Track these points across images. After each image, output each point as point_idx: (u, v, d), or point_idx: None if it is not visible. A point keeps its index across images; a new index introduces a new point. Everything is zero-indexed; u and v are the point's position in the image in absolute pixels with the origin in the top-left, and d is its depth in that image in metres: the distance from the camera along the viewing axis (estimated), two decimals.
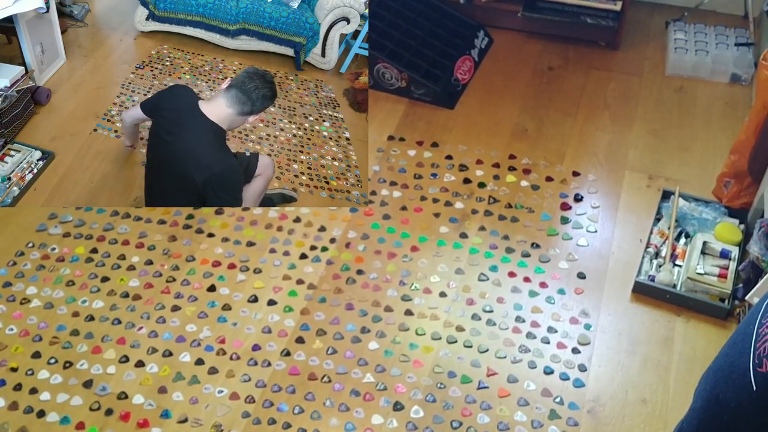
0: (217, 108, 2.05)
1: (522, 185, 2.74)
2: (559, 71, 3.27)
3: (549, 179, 2.76)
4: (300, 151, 2.87)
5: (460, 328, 2.29)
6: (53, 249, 2.56)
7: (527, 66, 3.30)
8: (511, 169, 2.81)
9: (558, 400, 2.10)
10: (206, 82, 3.03)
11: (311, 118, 3.01)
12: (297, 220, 2.65)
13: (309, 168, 2.83)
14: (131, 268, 2.50)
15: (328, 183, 2.77)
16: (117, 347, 2.27)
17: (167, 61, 3.14)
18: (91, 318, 2.35)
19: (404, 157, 2.86)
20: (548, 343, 2.24)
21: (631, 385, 2.13)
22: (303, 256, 2.52)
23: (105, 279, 2.47)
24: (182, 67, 3.12)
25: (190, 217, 2.67)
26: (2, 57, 2.66)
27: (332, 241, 2.57)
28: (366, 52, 3.35)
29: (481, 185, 2.75)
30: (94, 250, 2.56)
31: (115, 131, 2.58)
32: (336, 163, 2.86)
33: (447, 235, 2.58)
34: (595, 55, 3.34)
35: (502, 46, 3.41)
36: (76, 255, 2.54)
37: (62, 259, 2.53)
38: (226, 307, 2.37)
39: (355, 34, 3.42)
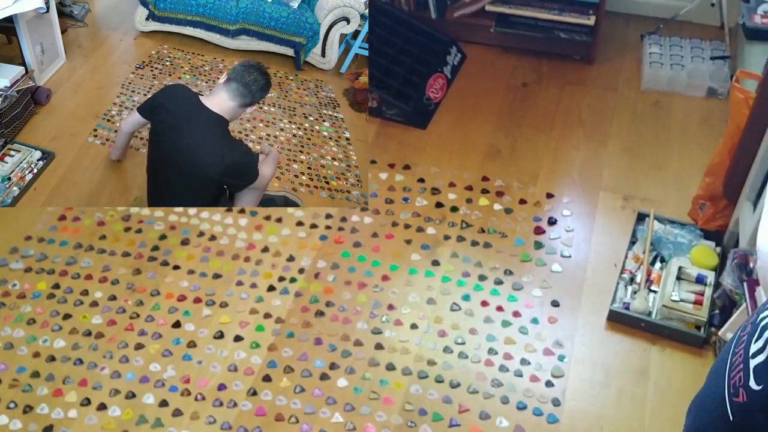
0: (220, 101, 2.02)
1: (495, 209, 2.69)
2: (533, 87, 3.21)
3: (522, 202, 2.71)
4: (300, 151, 2.85)
5: (431, 362, 2.23)
6: (14, 285, 2.49)
7: (501, 82, 3.24)
8: (484, 191, 2.75)
9: None
10: (206, 82, 3.03)
11: (311, 118, 3.00)
12: (265, 249, 2.58)
13: (309, 168, 2.79)
14: (94, 304, 2.44)
15: (328, 183, 2.74)
16: (78, 389, 2.20)
17: (167, 61, 3.13)
18: (53, 358, 2.28)
19: (375, 181, 2.80)
20: (521, 376, 2.18)
21: (606, 420, 2.08)
22: (271, 288, 2.46)
23: (67, 316, 2.40)
24: (182, 67, 3.10)
25: (156, 248, 2.60)
26: (2, 57, 2.65)
27: (301, 271, 2.51)
28: (366, 52, 3.33)
29: (454, 209, 2.69)
30: (56, 286, 2.49)
31: (115, 131, 2.58)
32: (336, 163, 2.83)
33: (419, 262, 2.52)
34: (570, 69, 3.29)
35: (475, 62, 3.35)
36: (37, 291, 2.47)
37: (23, 296, 2.46)
38: (191, 344, 2.31)
39: (355, 34, 3.40)
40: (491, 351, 2.25)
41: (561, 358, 2.23)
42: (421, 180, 2.81)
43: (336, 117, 3.07)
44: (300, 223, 2.67)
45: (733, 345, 0.91)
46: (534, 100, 3.15)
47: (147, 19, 3.26)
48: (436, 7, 3.35)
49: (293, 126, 2.93)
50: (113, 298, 2.45)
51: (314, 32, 3.27)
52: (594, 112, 3.08)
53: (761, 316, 0.87)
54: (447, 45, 3.27)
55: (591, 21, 3.11)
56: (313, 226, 2.66)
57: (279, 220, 2.68)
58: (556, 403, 2.12)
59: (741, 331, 0.91)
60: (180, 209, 2.71)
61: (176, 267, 2.54)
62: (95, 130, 2.58)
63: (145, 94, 2.81)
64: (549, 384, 2.16)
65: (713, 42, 3.23)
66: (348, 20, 3.27)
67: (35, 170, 2.34)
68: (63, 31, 3.02)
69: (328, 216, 2.68)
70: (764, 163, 2.15)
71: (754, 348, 0.84)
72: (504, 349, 2.25)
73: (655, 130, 2.98)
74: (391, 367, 2.22)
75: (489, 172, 2.82)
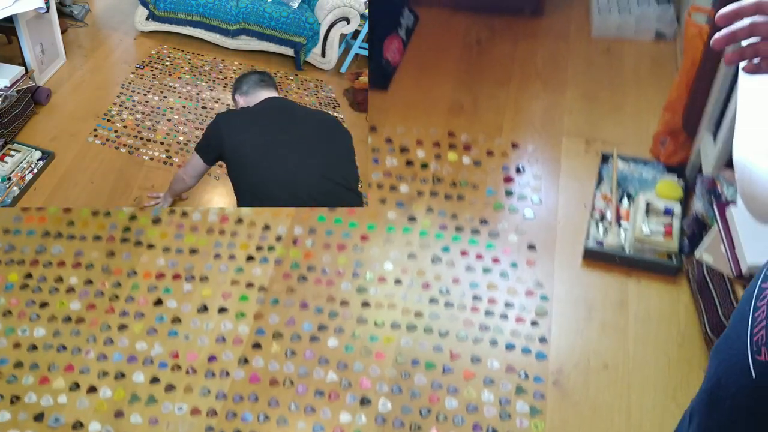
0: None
1: (464, 162, 2.72)
2: (488, 43, 3.25)
3: (489, 153, 2.75)
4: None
5: (418, 314, 2.26)
6: None
7: (456, 41, 3.27)
8: (452, 146, 2.79)
9: (523, 375, 2.10)
10: (206, 82, 3.00)
11: None
12: (239, 221, 2.57)
13: None
14: (70, 290, 2.39)
15: None
16: (65, 375, 2.17)
17: (167, 61, 3.09)
18: (34, 347, 2.23)
19: None
20: (507, 318, 2.24)
21: (592, 352, 2.15)
22: (250, 258, 2.45)
23: (44, 305, 2.35)
24: (182, 67, 3.07)
25: (127, 229, 2.56)
26: (2, 57, 2.59)
27: (278, 239, 2.50)
28: (366, 52, 3.33)
29: (424, 166, 2.72)
30: (29, 275, 2.43)
31: (115, 131, 2.56)
32: None
33: (395, 220, 2.54)
34: (521, 23, 3.34)
35: (429, 23, 3.37)
36: (9, 282, 2.41)
37: None
38: (176, 320, 2.29)
39: (355, 34, 3.38)
40: (475, 297, 2.29)
41: (543, 297, 2.29)
42: (389, 140, 2.82)
43: (336, 117, 3.06)
44: None
45: (755, 297, 0.88)
46: (490, 56, 3.19)
47: (147, 19, 3.23)
48: None
49: None
50: (89, 282, 2.41)
51: (314, 32, 3.26)
52: (549, 63, 3.13)
53: None
54: (399, 6, 3.28)
55: None
56: None
57: None
58: (542, 340, 2.18)
59: (762, 282, 0.88)
60: None
61: (150, 246, 2.51)
62: (95, 130, 2.54)
63: (144, 94, 2.78)
64: (534, 323, 2.22)
65: None
66: (348, 20, 3.24)
67: (35, 170, 2.31)
68: (63, 31, 2.98)
69: None
70: (721, 94, 2.23)
71: None
72: (487, 295, 2.30)
73: (610, 75, 3.05)
74: (379, 323, 2.25)
75: (454, 128, 2.86)
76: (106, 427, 2.04)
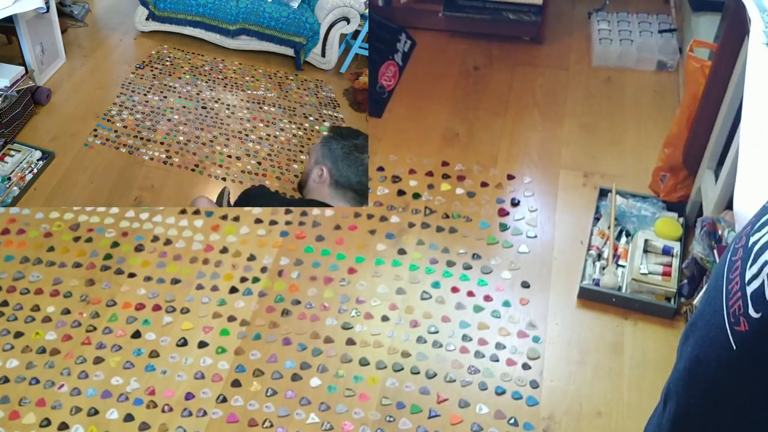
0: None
1: (457, 193, 2.65)
2: (485, 70, 3.19)
3: (484, 185, 2.67)
4: (300, 151, 2.81)
5: (405, 354, 2.18)
6: None
7: (452, 67, 3.21)
8: (445, 176, 2.71)
9: (512, 421, 2.01)
10: (206, 82, 3.00)
11: (311, 118, 2.98)
12: (224, 250, 2.49)
13: None
14: (47, 319, 2.31)
15: None
16: (36, 410, 2.08)
17: (167, 61, 3.08)
18: (6, 380, 2.15)
19: None
20: (497, 360, 2.15)
21: (584, 397, 2.06)
22: (233, 290, 2.37)
23: (19, 334, 2.27)
24: (182, 67, 3.07)
25: (108, 257, 2.48)
26: (2, 57, 2.59)
27: (263, 270, 2.42)
28: (366, 52, 3.33)
29: (416, 196, 2.64)
30: (5, 303, 2.35)
31: (115, 131, 2.54)
32: None
33: (385, 252, 2.46)
34: (520, 51, 3.27)
35: (426, 48, 3.31)
36: None
37: None
38: (154, 354, 2.20)
39: (356, 34, 3.37)
40: (465, 338, 2.21)
41: (536, 339, 2.20)
42: (381, 168, 2.75)
43: (336, 117, 3.05)
44: (258, 221, 2.58)
45: (726, 270, 0.88)
46: (487, 84, 3.12)
47: (147, 19, 3.22)
48: None
49: (293, 126, 2.90)
50: (67, 311, 2.32)
51: (314, 32, 3.24)
52: (547, 92, 3.07)
53: (752, 240, 0.84)
54: (396, 32, 3.22)
55: (539, 0, 3.10)
56: (273, 222, 2.58)
57: (236, 218, 2.59)
58: (534, 385, 2.09)
59: (732, 256, 0.88)
60: (131, 214, 2.60)
61: (132, 275, 2.43)
62: (95, 130, 2.53)
63: (144, 94, 2.76)
64: (526, 366, 2.13)
65: (660, 15, 3.26)
66: (348, 20, 3.23)
67: (35, 170, 2.30)
68: (63, 31, 2.96)
69: (288, 211, 2.60)
70: (723, 131, 2.16)
71: (749, 274, 0.81)
72: (478, 335, 2.21)
73: (609, 106, 2.98)
74: (364, 362, 2.16)
75: (448, 157, 2.78)
76: None
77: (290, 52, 3.29)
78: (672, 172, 2.43)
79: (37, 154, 2.32)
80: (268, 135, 2.76)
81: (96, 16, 3.34)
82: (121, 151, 2.46)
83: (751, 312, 0.79)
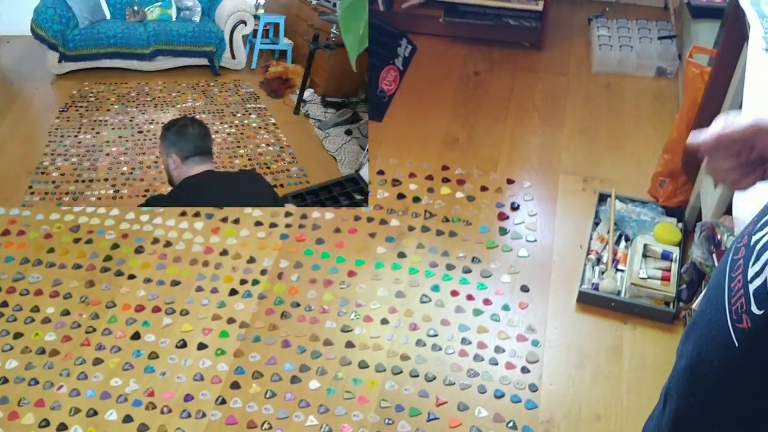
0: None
1: (457, 197, 2.65)
2: (486, 75, 3.20)
3: (484, 189, 2.68)
4: (237, 146, 2.93)
5: (404, 357, 2.18)
6: None
7: (453, 72, 3.22)
8: (445, 180, 2.72)
9: (511, 424, 2.01)
10: (136, 107, 3.04)
11: (239, 115, 3.16)
12: (224, 252, 2.49)
13: (249, 159, 2.89)
14: (46, 320, 2.31)
15: (269, 167, 2.83)
16: (36, 410, 2.08)
17: (91, 96, 3.12)
18: (5, 380, 2.15)
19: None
20: (496, 364, 2.15)
21: (583, 401, 2.07)
22: (233, 292, 2.37)
23: (18, 335, 2.27)
24: (108, 99, 3.13)
25: (108, 258, 2.48)
26: None
27: (263, 272, 2.43)
28: (268, 46, 3.82)
29: (416, 200, 2.65)
30: (4, 303, 2.36)
31: (53, 182, 2.50)
32: (270, 148, 2.94)
33: (384, 255, 2.47)
34: (520, 56, 3.29)
35: (426, 53, 3.32)
36: None
37: None
38: (153, 356, 2.20)
39: (255, 32, 3.73)
40: (465, 341, 2.21)
41: (535, 343, 2.20)
42: (381, 172, 2.75)
43: (259, 108, 3.23)
44: (259, 223, 2.59)
45: (728, 269, 0.89)
46: (487, 88, 3.13)
47: (59, 61, 3.26)
48: None
49: (225, 126, 3.02)
50: (66, 312, 2.33)
51: (220, 39, 3.57)
52: (547, 97, 3.08)
53: (754, 239, 0.84)
54: (397, 37, 3.23)
55: (539, 6, 3.11)
56: (273, 225, 2.58)
57: (236, 221, 2.59)
58: (533, 388, 2.09)
59: (734, 255, 0.89)
60: (132, 215, 2.60)
61: (132, 276, 2.43)
62: (30, 186, 2.45)
63: (75, 136, 2.72)
64: (525, 370, 2.14)
65: (659, 22, 3.27)
66: (245, 22, 3.59)
67: None
68: None
69: (288, 214, 2.61)
70: None
71: (751, 272, 0.82)
72: (477, 338, 2.21)
73: (609, 111, 2.99)
74: (363, 365, 2.16)
75: (448, 161, 2.79)
76: None
77: (205, 61, 3.56)
78: (671, 177, 2.44)
79: None
80: None
81: (4, 69, 3.29)
82: (64, 199, 2.39)
83: (754, 309, 0.80)
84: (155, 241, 2.54)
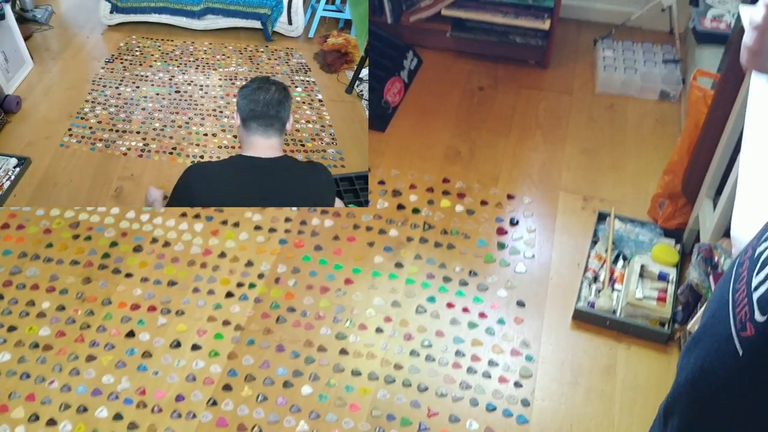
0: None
1: (457, 210, 2.66)
2: (490, 91, 3.22)
3: (484, 203, 2.69)
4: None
5: (398, 366, 2.18)
6: None
7: (457, 86, 3.23)
8: (446, 193, 2.72)
9: None
10: (177, 66, 3.01)
11: None
12: (222, 255, 2.50)
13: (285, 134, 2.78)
14: (41, 315, 2.31)
15: (303, 145, 2.70)
16: (26, 404, 2.08)
17: (137, 51, 3.12)
18: None
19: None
20: (490, 377, 2.15)
21: (575, 418, 2.06)
22: (229, 295, 2.37)
23: (12, 328, 2.27)
24: (152, 55, 3.10)
25: (106, 256, 2.48)
26: None
27: (260, 276, 2.43)
28: (332, 14, 3.40)
29: (416, 211, 2.65)
30: (0, 296, 2.35)
31: (90, 128, 2.55)
32: (310, 125, 2.81)
33: (382, 265, 2.47)
34: (525, 74, 3.31)
35: (432, 67, 3.34)
36: None
37: None
38: (146, 355, 2.20)
39: None
40: (458, 353, 2.21)
41: (528, 358, 2.20)
42: (382, 182, 2.76)
43: (308, 81, 3.07)
44: (258, 227, 2.59)
45: (732, 281, 0.89)
46: (491, 104, 3.15)
47: (111, 12, 3.25)
48: (392, 12, 3.33)
49: None
50: (62, 308, 2.33)
51: (277, 1, 3.26)
52: (550, 116, 3.09)
53: (758, 251, 0.85)
54: (403, 50, 3.25)
55: (546, 25, 3.13)
56: (272, 230, 2.58)
57: (236, 224, 2.60)
58: (525, 403, 2.09)
59: (738, 267, 0.90)
60: (132, 215, 2.61)
61: (129, 275, 2.43)
62: (70, 129, 2.55)
63: (116, 88, 2.78)
64: (518, 385, 2.13)
65: (664, 46, 3.29)
66: None
67: (12, 177, 2.30)
68: (28, 37, 2.96)
69: (287, 219, 2.62)
70: (723, 160, 2.18)
71: (756, 281, 0.83)
72: (471, 351, 2.21)
73: (611, 132, 3.01)
74: (356, 373, 2.16)
75: (449, 174, 2.80)
76: None
77: (257, 24, 3.27)
78: (671, 199, 2.45)
79: (13, 161, 2.32)
80: None
81: (61, 17, 3.35)
82: (97, 146, 2.47)
83: (757, 316, 0.80)
84: (154, 240, 2.54)
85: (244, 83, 1.85)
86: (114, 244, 2.53)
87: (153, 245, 2.53)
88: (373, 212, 2.65)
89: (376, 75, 3.07)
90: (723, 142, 2.16)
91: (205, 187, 1.67)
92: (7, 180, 2.25)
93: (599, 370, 2.18)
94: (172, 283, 2.40)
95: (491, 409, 2.07)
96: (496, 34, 3.25)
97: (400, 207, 2.67)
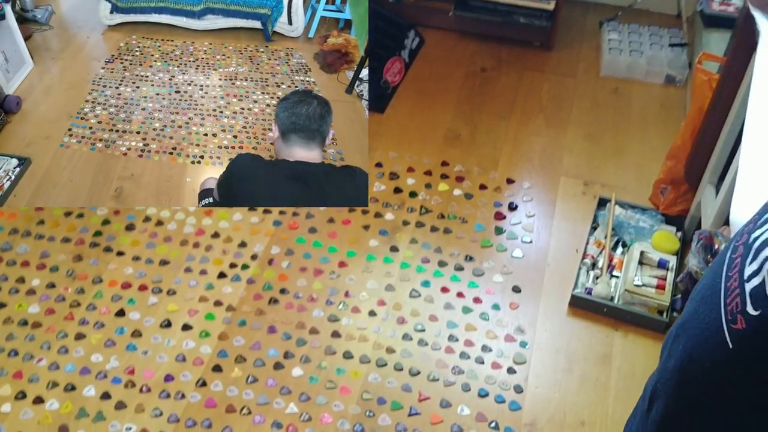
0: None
1: (455, 194, 2.62)
2: (492, 72, 3.16)
3: (483, 187, 2.64)
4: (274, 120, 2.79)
5: (390, 350, 2.14)
6: None
7: (460, 67, 3.18)
8: (444, 176, 2.68)
9: (493, 425, 1.98)
10: (178, 66, 2.99)
11: (284, 86, 3.00)
12: (216, 235, 2.46)
13: None
14: (31, 292, 2.28)
15: None
16: (13, 382, 2.05)
17: (137, 51, 3.09)
18: None
19: None
20: (483, 363, 2.12)
21: (569, 406, 2.03)
22: (221, 275, 2.34)
23: (1, 305, 2.25)
24: (152, 55, 3.07)
25: (98, 233, 2.46)
26: None
27: (254, 257, 2.40)
28: (332, 14, 3.37)
29: (413, 195, 2.61)
30: None
31: (90, 128, 2.53)
32: None
33: (377, 248, 2.44)
34: (529, 55, 3.25)
35: (434, 47, 3.28)
36: None
37: None
38: (136, 334, 2.17)
39: None
40: (452, 338, 2.17)
41: (523, 344, 2.17)
42: (379, 165, 2.72)
43: (308, 81, 3.04)
44: (252, 208, 2.55)
45: (725, 268, 0.86)
46: (493, 86, 3.10)
47: (111, 12, 3.21)
48: None
49: (266, 97, 2.90)
50: (52, 285, 2.30)
51: (277, 1, 3.24)
52: (554, 99, 3.04)
53: (753, 236, 0.81)
54: (405, 29, 3.19)
55: (551, 5, 3.07)
56: (266, 211, 2.55)
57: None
58: (518, 389, 2.06)
59: (732, 253, 0.86)
60: None
61: (120, 253, 2.40)
62: (70, 129, 2.51)
63: (116, 88, 2.75)
64: (511, 371, 2.10)
65: (671, 30, 3.23)
66: None
67: (13, 177, 2.26)
68: (28, 37, 2.94)
69: None
70: (726, 146, 2.13)
71: (748, 271, 0.79)
72: (465, 336, 2.18)
73: (615, 116, 2.95)
74: (348, 355, 2.13)
75: (448, 157, 2.75)
76: None
77: (257, 24, 3.27)
78: (673, 185, 2.40)
79: (14, 161, 2.29)
80: (242, 108, 2.75)
81: (61, 17, 3.32)
82: (97, 146, 2.43)
83: (750, 309, 0.77)
84: (147, 219, 2.51)
85: (284, 95, 1.85)
86: (106, 222, 2.50)
87: (145, 224, 2.49)
88: (369, 195, 2.60)
89: (377, 54, 3.02)
90: (727, 127, 2.10)
91: (250, 183, 1.71)
92: (7, 180, 2.23)
93: (595, 358, 2.14)
94: (164, 263, 2.37)
95: (483, 394, 2.04)
96: (500, 14, 3.18)
97: (397, 190, 2.63)
